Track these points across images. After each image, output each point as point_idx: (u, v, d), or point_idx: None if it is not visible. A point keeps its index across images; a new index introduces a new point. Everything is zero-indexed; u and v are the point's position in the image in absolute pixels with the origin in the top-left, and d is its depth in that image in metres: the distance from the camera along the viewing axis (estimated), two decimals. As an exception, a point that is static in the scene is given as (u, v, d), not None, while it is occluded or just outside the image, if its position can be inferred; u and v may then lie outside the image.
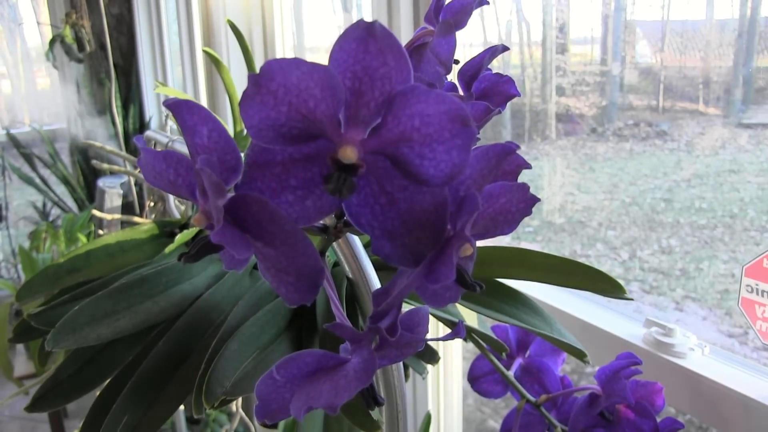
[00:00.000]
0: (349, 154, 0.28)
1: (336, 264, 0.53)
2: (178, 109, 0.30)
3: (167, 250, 0.64)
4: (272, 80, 0.28)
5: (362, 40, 0.28)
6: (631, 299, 0.51)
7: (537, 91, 1.84)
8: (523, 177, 0.34)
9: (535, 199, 0.32)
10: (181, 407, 1.51)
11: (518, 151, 0.33)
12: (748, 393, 0.64)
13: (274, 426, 1.06)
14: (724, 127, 1.49)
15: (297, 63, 0.27)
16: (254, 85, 0.28)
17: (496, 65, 1.91)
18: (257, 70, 0.28)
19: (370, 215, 0.30)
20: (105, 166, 0.86)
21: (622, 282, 0.51)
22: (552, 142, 1.79)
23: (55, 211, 2.91)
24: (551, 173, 1.82)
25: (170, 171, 0.32)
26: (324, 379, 0.30)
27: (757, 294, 0.66)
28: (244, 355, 0.42)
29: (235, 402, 0.99)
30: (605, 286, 0.51)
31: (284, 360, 0.31)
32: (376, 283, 0.42)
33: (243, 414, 0.97)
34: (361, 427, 0.41)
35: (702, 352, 0.71)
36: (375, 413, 0.43)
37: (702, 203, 1.58)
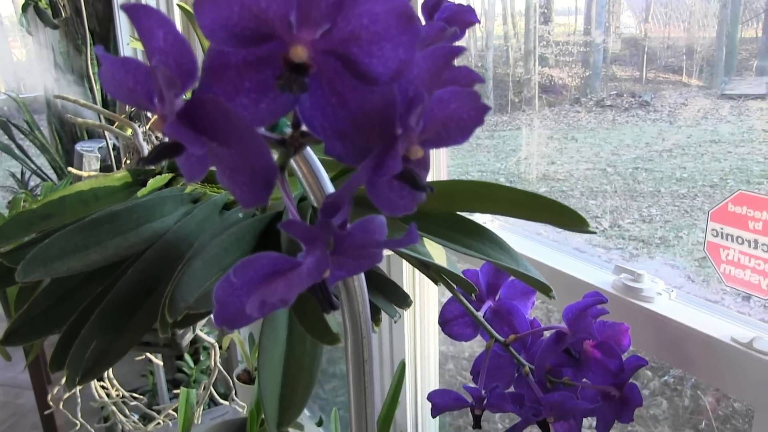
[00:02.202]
0: (300, 53, 0.29)
1: (303, 198, 0.53)
2: (135, 12, 0.30)
3: (139, 193, 0.64)
4: (224, -21, 0.28)
5: (312, -61, 0.28)
6: (594, 232, 0.52)
7: (520, 62, 1.84)
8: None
9: (486, 108, 0.32)
10: (162, 373, 1.50)
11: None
12: (711, 332, 0.66)
13: (251, 381, 1.07)
14: (706, 98, 1.51)
15: (248, -39, 0.28)
16: (207, -16, 0.28)
17: (479, 35, 1.91)
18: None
19: (322, 117, 0.31)
20: (79, 120, 0.86)
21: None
22: (535, 112, 1.80)
23: (34, 181, 2.89)
24: (534, 143, 1.83)
25: (129, 78, 0.32)
26: (279, 279, 0.31)
27: (722, 238, 0.67)
28: (208, 274, 0.43)
29: (213, 358, 1.00)
30: (568, 220, 0.52)
31: (241, 263, 0.32)
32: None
33: (221, 368, 0.98)
34: (321, 340, 0.42)
35: (669, 297, 0.73)
36: (338, 329, 0.44)
37: (683, 173, 1.59)
